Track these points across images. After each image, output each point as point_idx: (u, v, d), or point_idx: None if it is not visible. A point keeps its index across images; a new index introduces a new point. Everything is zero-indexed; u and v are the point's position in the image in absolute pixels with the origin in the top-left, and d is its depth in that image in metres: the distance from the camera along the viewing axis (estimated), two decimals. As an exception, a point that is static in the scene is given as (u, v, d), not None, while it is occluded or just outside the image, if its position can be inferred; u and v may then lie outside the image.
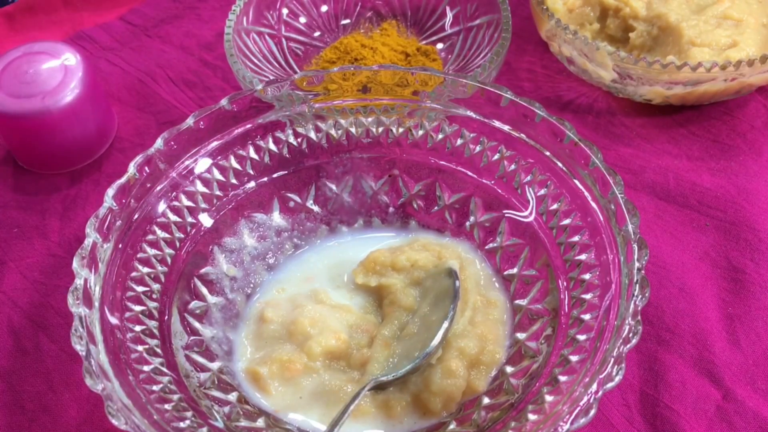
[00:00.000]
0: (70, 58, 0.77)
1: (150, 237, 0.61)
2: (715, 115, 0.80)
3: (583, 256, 0.59)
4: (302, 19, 0.88)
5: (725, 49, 0.75)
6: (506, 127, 0.64)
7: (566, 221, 0.61)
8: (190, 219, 0.64)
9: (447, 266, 0.62)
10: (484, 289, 0.64)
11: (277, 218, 0.68)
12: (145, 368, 0.55)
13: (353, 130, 0.68)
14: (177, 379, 0.56)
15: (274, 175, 0.67)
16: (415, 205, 0.69)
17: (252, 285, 0.66)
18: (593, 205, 0.59)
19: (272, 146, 0.67)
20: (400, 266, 0.64)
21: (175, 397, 0.54)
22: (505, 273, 0.64)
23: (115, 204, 0.59)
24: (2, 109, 0.73)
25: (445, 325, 0.59)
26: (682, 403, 0.60)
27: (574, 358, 0.53)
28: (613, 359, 0.49)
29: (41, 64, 0.76)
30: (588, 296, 0.57)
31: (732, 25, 0.77)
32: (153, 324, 0.58)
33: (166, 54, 0.90)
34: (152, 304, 0.59)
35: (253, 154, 0.66)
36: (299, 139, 0.67)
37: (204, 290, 0.64)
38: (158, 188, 0.62)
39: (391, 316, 0.62)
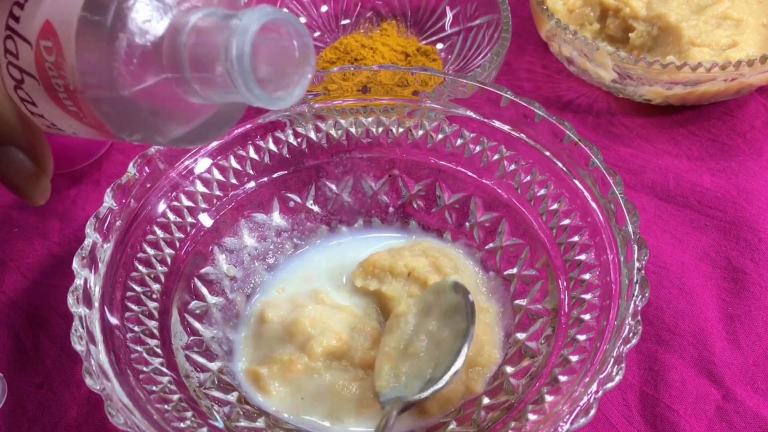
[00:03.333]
0: (70, 58, 0.76)
1: (150, 237, 0.61)
2: (715, 115, 0.80)
3: (583, 256, 0.59)
4: (302, 19, 0.88)
5: (725, 49, 0.75)
6: (506, 127, 0.64)
7: (566, 221, 0.61)
8: (190, 219, 0.64)
9: (451, 281, 0.60)
10: (478, 296, 0.63)
11: (277, 218, 0.68)
12: (145, 368, 0.55)
13: (353, 130, 0.68)
14: (177, 379, 0.56)
15: (274, 175, 0.67)
16: (415, 205, 0.69)
17: (252, 285, 0.66)
18: (593, 205, 0.59)
19: (272, 146, 0.67)
20: (397, 272, 0.64)
21: (175, 397, 0.54)
22: (505, 273, 0.64)
23: (115, 204, 0.59)
24: (2, 109, 0.73)
25: (468, 344, 0.56)
26: (682, 403, 0.60)
27: (574, 358, 0.53)
28: (613, 359, 0.49)
29: (41, 64, 0.75)
30: (588, 296, 0.57)
31: (732, 25, 0.77)
32: (153, 324, 0.58)
33: (166, 54, 0.90)
34: (152, 304, 0.59)
35: (253, 154, 0.66)
36: (299, 139, 0.67)
37: (204, 290, 0.64)
38: (158, 188, 0.62)
39: (394, 330, 0.60)
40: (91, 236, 0.56)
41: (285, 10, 0.40)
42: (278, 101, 0.41)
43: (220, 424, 0.55)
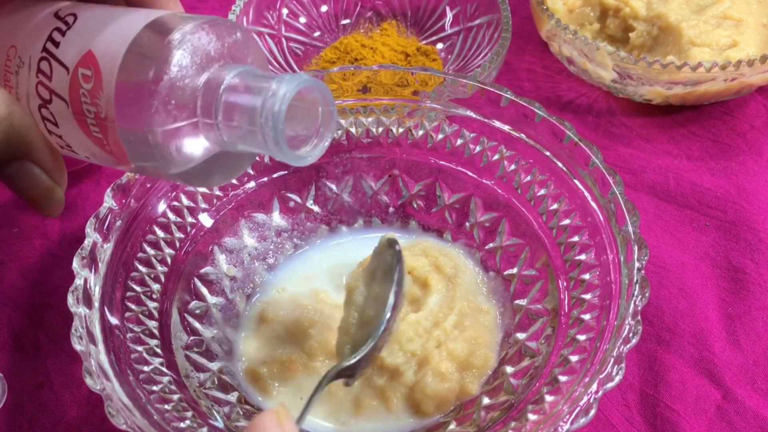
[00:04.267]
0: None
1: (150, 237, 0.61)
2: (715, 115, 0.80)
3: (583, 256, 0.59)
4: (302, 19, 0.88)
5: (725, 49, 0.75)
6: (506, 127, 0.64)
7: (566, 221, 0.61)
8: (190, 219, 0.64)
9: (384, 239, 0.58)
10: (478, 297, 0.63)
11: (277, 218, 0.68)
12: (145, 368, 0.55)
13: (353, 130, 0.68)
14: (177, 379, 0.56)
15: (274, 175, 0.67)
16: (415, 205, 0.69)
17: (252, 285, 0.66)
18: (593, 205, 0.59)
19: (272, 146, 0.67)
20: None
21: (175, 397, 0.54)
22: (505, 273, 0.64)
23: (115, 204, 0.59)
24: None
25: (394, 290, 0.55)
26: (682, 403, 0.60)
27: (574, 358, 0.53)
28: (613, 359, 0.49)
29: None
30: (588, 296, 0.57)
31: (732, 25, 0.77)
32: (153, 324, 0.58)
33: (166, 54, 0.90)
34: (152, 304, 0.59)
35: (253, 154, 0.66)
36: (299, 139, 0.67)
37: (204, 290, 0.64)
38: (158, 188, 0.62)
39: (348, 305, 0.58)
40: (91, 236, 0.56)
41: (318, 79, 0.45)
42: (299, 159, 0.45)
43: (220, 424, 0.55)
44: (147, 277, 0.60)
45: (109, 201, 0.58)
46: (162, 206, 0.62)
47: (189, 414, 0.53)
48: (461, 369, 0.58)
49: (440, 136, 0.67)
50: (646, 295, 0.51)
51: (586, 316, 0.55)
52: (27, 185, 0.46)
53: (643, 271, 0.53)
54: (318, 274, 0.67)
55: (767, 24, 0.79)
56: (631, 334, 0.50)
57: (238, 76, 0.44)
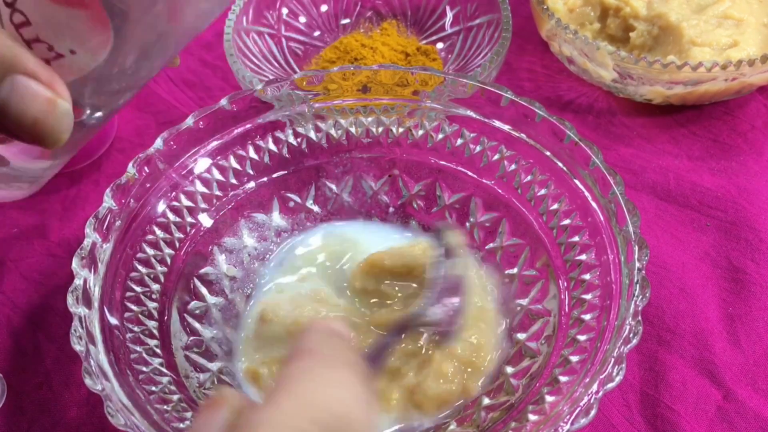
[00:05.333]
0: (70, 57, 0.76)
1: (150, 237, 0.61)
2: (716, 114, 0.80)
3: (583, 257, 0.58)
4: (302, 19, 0.88)
5: (726, 49, 0.75)
6: (506, 127, 0.64)
7: (566, 221, 0.61)
8: (189, 219, 0.64)
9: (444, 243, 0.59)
10: (478, 297, 0.63)
11: (277, 218, 0.68)
12: (145, 368, 0.55)
13: (353, 130, 0.68)
14: (177, 380, 0.56)
15: (274, 175, 0.67)
16: (415, 205, 0.69)
17: (252, 285, 0.66)
18: (593, 205, 0.59)
19: (272, 146, 0.67)
20: (398, 272, 0.64)
21: (175, 397, 0.54)
22: (505, 273, 0.64)
23: (114, 204, 0.59)
24: (2, 108, 0.73)
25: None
26: (682, 403, 0.60)
27: (574, 359, 0.53)
28: (613, 359, 0.49)
29: (41, 64, 0.75)
30: (588, 296, 0.57)
31: (733, 25, 0.77)
32: (153, 324, 0.58)
33: (166, 54, 0.90)
34: (152, 305, 0.59)
35: (252, 154, 0.66)
36: (299, 139, 0.67)
37: (204, 290, 0.63)
38: (158, 188, 0.62)
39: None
40: (91, 236, 0.56)
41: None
42: None
43: (219, 425, 0.55)
44: (147, 277, 0.60)
45: (108, 201, 0.58)
46: (161, 206, 0.62)
47: (189, 414, 0.53)
48: (462, 369, 0.58)
49: (440, 136, 0.67)
50: (647, 295, 0.51)
51: (587, 317, 0.55)
52: (25, 101, 0.39)
53: (643, 271, 0.53)
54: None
55: (768, 24, 0.79)
56: (631, 335, 0.50)
57: None
